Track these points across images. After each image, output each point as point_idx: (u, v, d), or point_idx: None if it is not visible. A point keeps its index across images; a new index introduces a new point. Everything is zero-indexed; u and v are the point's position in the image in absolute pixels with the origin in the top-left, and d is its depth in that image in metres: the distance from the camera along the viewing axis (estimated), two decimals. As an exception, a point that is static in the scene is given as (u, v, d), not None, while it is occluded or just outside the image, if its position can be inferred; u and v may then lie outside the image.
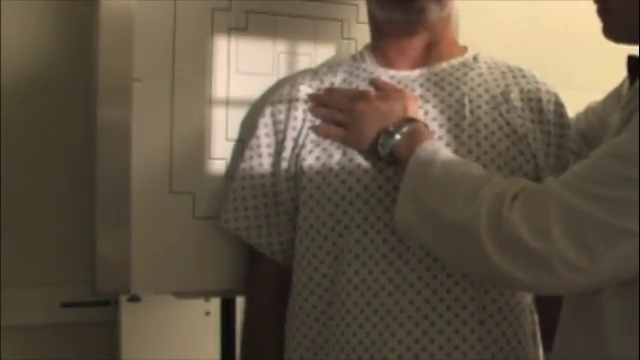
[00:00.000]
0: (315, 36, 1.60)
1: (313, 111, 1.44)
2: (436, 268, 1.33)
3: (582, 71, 2.31)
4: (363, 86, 1.44)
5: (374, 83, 1.44)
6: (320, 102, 1.44)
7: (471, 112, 1.39)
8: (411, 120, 1.34)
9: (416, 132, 1.32)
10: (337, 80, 1.47)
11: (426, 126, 1.35)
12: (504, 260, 1.11)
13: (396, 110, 1.36)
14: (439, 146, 1.31)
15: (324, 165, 1.39)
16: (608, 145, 1.13)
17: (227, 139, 1.53)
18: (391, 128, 1.33)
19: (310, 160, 1.40)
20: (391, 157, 1.33)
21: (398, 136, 1.32)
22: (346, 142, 1.39)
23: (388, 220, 1.34)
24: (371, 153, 1.36)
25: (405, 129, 1.32)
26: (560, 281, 1.10)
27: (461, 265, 1.23)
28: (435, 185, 1.23)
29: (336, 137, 1.39)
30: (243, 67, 1.54)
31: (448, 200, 1.19)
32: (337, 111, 1.41)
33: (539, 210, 1.11)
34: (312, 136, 1.42)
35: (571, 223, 1.08)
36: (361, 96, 1.40)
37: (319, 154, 1.40)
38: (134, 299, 1.71)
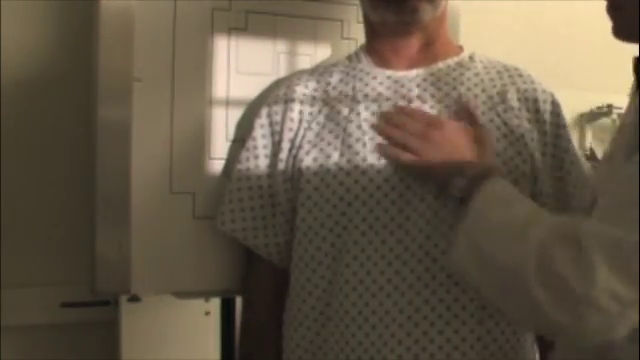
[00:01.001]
0: (315, 36, 1.60)
1: (384, 130, 1.38)
2: (435, 268, 1.33)
3: (582, 71, 2.32)
4: (359, 86, 1.44)
5: (405, 111, 1.40)
6: (391, 121, 1.39)
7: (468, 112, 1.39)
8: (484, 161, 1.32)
9: (485, 172, 1.29)
10: (333, 80, 1.47)
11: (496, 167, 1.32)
12: (552, 306, 1.08)
13: (469, 146, 1.33)
14: (499, 186, 1.27)
15: (322, 166, 1.39)
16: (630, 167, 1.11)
17: (227, 139, 1.53)
18: (467, 170, 1.29)
19: (307, 161, 1.40)
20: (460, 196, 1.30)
21: (469, 177, 1.28)
22: (413, 171, 1.35)
23: (387, 221, 1.34)
24: (437, 186, 1.34)
25: (477, 171, 1.29)
26: (610, 319, 1.06)
27: (511, 311, 1.20)
28: (489, 228, 1.20)
29: (405, 164, 1.35)
30: (243, 67, 1.55)
31: (497, 243, 1.17)
32: (408, 134, 1.36)
33: (584, 252, 1.07)
34: (309, 137, 1.42)
35: (615, 256, 1.05)
36: (436, 124, 1.36)
37: (316, 155, 1.40)
38: (134, 299, 1.70)
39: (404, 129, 1.36)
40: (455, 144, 1.34)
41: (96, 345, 1.86)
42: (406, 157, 1.35)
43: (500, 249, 1.16)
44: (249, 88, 1.55)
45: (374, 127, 1.39)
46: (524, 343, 1.39)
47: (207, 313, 1.83)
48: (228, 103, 1.53)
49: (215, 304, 1.78)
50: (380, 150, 1.37)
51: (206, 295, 1.70)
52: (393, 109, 1.40)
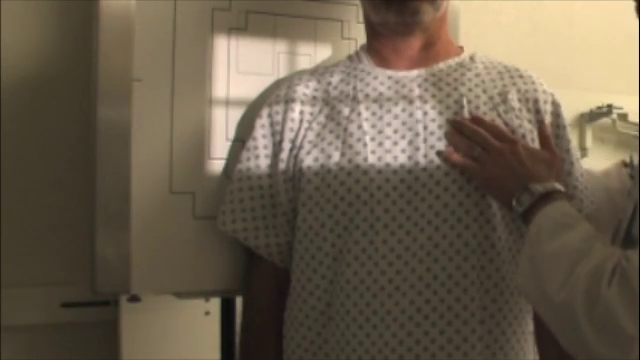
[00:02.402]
0: (315, 36, 1.60)
1: (452, 139, 1.38)
2: (436, 268, 1.33)
3: (582, 71, 2.32)
4: (360, 86, 1.44)
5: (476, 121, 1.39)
6: (461, 130, 1.38)
7: (470, 113, 1.39)
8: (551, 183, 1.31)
9: (549, 193, 1.29)
10: (334, 80, 1.47)
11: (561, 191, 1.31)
12: (600, 344, 1.08)
13: (537, 167, 1.33)
14: (558, 211, 1.26)
15: (323, 166, 1.39)
16: None
17: (227, 139, 1.53)
18: (538, 187, 1.28)
19: (308, 161, 1.40)
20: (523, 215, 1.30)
21: (535, 196, 1.28)
22: (479, 181, 1.35)
23: (388, 221, 1.34)
24: (498, 200, 1.35)
25: (541, 190, 1.28)
26: None
27: (562, 341, 1.19)
28: (543, 259, 1.20)
29: (471, 173, 1.35)
30: (243, 67, 1.54)
31: (550, 275, 1.17)
32: (477, 145, 1.35)
33: (633, 289, 1.07)
34: (310, 137, 1.42)
35: None
36: (508, 139, 1.36)
37: (317, 155, 1.40)
38: (134, 299, 1.70)
39: (474, 139, 1.36)
40: (523, 162, 1.32)
41: (96, 345, 1.85)
42: (472, 167, 1.35)
43: (552, 283, 1.16)
44: (249, 88, 1.55)
45: (445, 135, 1.38)
46: (524, 344, 1.40)
47: (207, 313, 1.82)
48: (228, 103, 1.53)
49: (215, 304, 1.78)
50: (447, 156, 1.36)
51: (206, 295, 1.70)
52: (469, 118, 1.39)
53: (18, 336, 1.79)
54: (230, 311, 1.70)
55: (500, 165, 1.33)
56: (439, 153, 1.36)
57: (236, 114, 1.54)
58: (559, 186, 1.31)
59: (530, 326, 1.42)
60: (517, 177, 1.31)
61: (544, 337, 1.43)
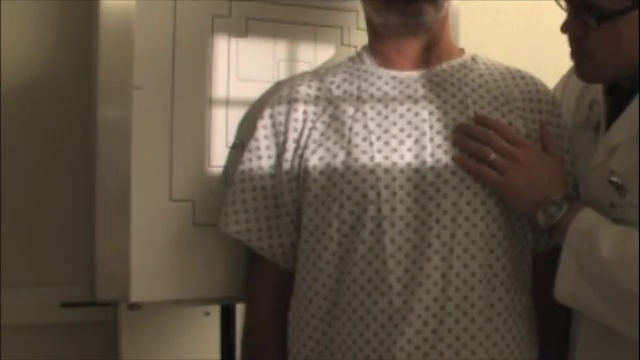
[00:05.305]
0: (315, 42, 1.60)
1: (461, 141, 1.38)
2: (444, 267, 1.33)
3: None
4: (365, 86, 1.44)
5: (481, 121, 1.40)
6: (470, 134, 1.38)
7: (475, 113, 1.40)
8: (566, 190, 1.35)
9: (575, 202, 1.32)
10: (337, 80, 1.47)
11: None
12: None
13: (552, 173, 1.36)
14: (594, 215, 1.30)
15: (328, 165, 1.39)
16: None
17: (227, 146, 1.53)
18: (558, 197, 1.32)
19: (314, 161, 1.40)
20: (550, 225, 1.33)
21: (565, 207, 1.31)
22: (500, 190, 1.36)
23: (395, 220, 1.34)
24: (520, 211, 1.37)
25: (568, 200, 1.32)
26: None
27: None
28: (611, 260, 1.23)
29: (490, 182, 1.36)
30: (243, 73, 1.54)
31: (632, 277, 1.20)
32: (491, 150, 1.36)
33: None
34: (314, 136, 1.42)
35: None
36: (520, 142, 1.37)
37: (323, 154, 1.40)
38: (134, 307, 1.70)
39: (485, 142, 1.36)
40: (540, 168, 1.35)
41: (96, 345, 1.86)
42: (490, 175, 1.35)
43: (632, 279, 1.19)
44: (249, 95, 1.55)
45: (455, 141, 1.38)
46: (528, 342, 1.41)
47: (207, 314, 1.82)
48: (228, 110, 1.53)
49: (215, 305, 1.79)
50: (461, 163, 1.36)
51: (206, 303, 1.70)
52: (474, 118, 1.40)
53: (18, 336, 1.80)
54: (230, 312, 1.70)
55: (520, 175, 1.34)
56: (454, 158, 1.37)
57: (236, 121, 1.54)
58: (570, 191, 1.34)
59: (532, 323, 1.43)
60: (538, 188, 1.33)
61: (549, 335, 1.44)
